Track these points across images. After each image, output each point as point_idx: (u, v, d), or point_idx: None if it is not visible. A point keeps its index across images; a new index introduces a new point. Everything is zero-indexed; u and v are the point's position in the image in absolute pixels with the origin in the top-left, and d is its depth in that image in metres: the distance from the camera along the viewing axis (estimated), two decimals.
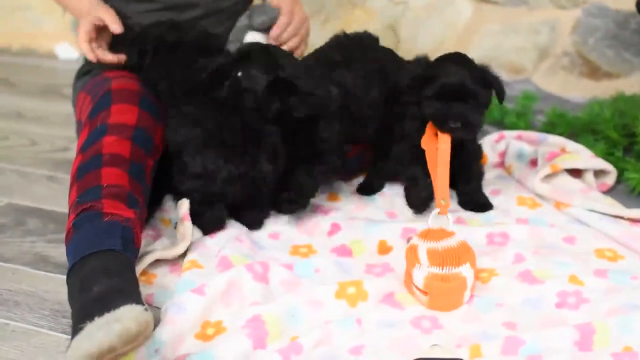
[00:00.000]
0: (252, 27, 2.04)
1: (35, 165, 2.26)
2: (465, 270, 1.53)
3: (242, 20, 2.06)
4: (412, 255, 1.57)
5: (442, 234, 1.60)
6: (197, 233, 1.76)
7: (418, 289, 1.54)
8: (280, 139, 1.76)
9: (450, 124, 1.72)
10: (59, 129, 2.44)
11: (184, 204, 1.75)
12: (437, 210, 1.65)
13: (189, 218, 1.73)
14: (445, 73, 1.75)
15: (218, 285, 1.54)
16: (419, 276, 1.53)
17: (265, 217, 1.87)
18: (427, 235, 1.60)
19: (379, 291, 1.56)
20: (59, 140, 2.42)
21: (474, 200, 1.92)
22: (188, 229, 1.72)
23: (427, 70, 1.81)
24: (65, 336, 1.52)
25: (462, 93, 1.73)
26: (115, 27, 1.94)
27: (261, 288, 1.58)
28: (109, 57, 1.96)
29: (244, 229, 1.82)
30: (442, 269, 1.53)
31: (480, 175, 1.94)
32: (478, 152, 1.94)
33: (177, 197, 1.81)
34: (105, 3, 2.02)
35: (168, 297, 1.57)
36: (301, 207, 1.86)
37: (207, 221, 1.77)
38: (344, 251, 1.76)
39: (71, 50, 3.28)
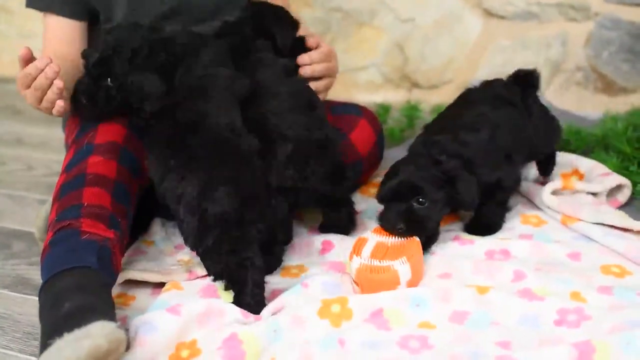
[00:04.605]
0: None
1: (28, 190, 2.23)
2: (398, 264, 1.54)
3: None
4: (355, 248, 1.60)
5: None
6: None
7: (354, 281, 1.58)
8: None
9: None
10: (57, 154, 2.38)
11: None
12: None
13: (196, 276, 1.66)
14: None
15: (195, 306, 1.47)
16: (353, 268, 1.57)
17: None
18: (382, 230, 1.64)
19: (366, 309, 1.48)
20: (56, 164, 2.34)
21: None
22: (180, 277, 1.65)
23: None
24: (33, 358, 1.46)
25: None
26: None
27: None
28: None
29: None
30: (380, 261, 1.56)
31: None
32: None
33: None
34: None
35: None
36: None
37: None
38: (337, 267, 1.69)
39: None
